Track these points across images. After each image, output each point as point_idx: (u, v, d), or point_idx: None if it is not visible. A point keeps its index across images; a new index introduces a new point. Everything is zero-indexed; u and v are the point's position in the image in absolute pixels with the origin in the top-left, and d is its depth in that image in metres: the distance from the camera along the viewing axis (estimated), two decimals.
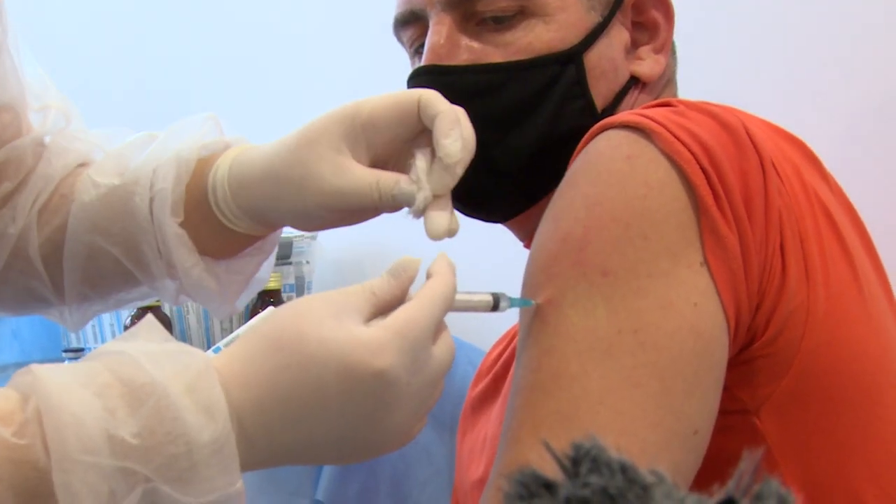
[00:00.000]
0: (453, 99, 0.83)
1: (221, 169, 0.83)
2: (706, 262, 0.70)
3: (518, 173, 0.89)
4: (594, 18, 0.88)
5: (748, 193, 0.72)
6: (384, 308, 0.64)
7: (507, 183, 0.89)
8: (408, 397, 0.63)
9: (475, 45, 0.87)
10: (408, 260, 0.67)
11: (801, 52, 1.47)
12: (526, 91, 0.87)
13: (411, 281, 0.66)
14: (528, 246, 0.91)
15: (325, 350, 0.60)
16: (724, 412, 0.70)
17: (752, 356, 0.73)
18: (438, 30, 0.87)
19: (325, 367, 0.59)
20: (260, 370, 0.60)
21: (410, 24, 0.90)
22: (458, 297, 0.70)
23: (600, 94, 0.88)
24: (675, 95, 0.95)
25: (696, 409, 0.68)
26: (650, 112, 0.75)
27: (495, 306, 0.73)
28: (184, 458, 0.56)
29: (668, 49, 0.93)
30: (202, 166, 0.83)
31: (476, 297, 0.72)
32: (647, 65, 0.90)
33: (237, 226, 0.82)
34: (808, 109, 1.43)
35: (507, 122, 0.87)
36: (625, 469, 0.40)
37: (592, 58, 0.87)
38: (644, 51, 0.91)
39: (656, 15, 0.91)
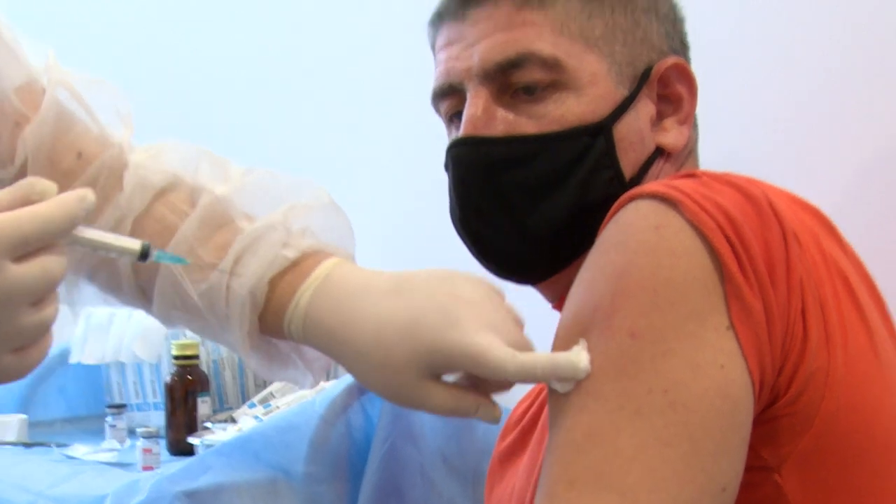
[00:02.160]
0: (490, 167, 0.89)
1: (296, 321, 0.81)
2: (732, 327, 0.72)
3: (550, 240, 0.90)
4: (622, 92, 0.90)
5: (771, 261, 0.74)
6: None
7: (539, 249, 0.91)
8: None
9: (510, 116, 0.89)
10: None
11: (811, 101, 1.42)
12: (558, 161, 0.89)
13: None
14: (556, 307, 0.94)
15: None
16: (747, 469, 0.72)
17: (774, 415, 0.73)
18: (476, 102, 0.89)
19: None
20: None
21: (448, 95, 0.93)
22: (95, 233, 0.68)
23: (628, 164, 0.90)
24: (696, 165, 0.97)
25: (724, 467, 0.70)
26: (676, 183, 0.77)
27: (144, 256, 0.69)
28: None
29: (691, 121, 0.95)
30: (277, 286, 0.82)
31: (121, 241, 0.69)
32: (672, 136, 0.92)
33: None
34: (818, 161, 1.41)
35: (541, 190, 0.89)
36: None
37: (621, 130, 0.89)
38: (669, 122, 0.93)
39: (681, 88, 0.93)
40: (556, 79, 0.88)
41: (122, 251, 0.69)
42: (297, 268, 0.82)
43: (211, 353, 1.88)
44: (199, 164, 0.91)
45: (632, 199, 0.77)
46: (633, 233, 0.75)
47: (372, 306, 0.77)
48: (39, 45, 0.92)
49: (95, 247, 0.68)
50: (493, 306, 0.76)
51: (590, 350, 0.72)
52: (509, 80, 0.89)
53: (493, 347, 0.72)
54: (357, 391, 1.52)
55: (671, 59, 0.92)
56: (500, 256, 0.91)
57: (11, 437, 1.89)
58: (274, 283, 0.82)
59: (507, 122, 0.88)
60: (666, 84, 0.92)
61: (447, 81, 0.92)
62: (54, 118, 0.88)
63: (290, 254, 0.83)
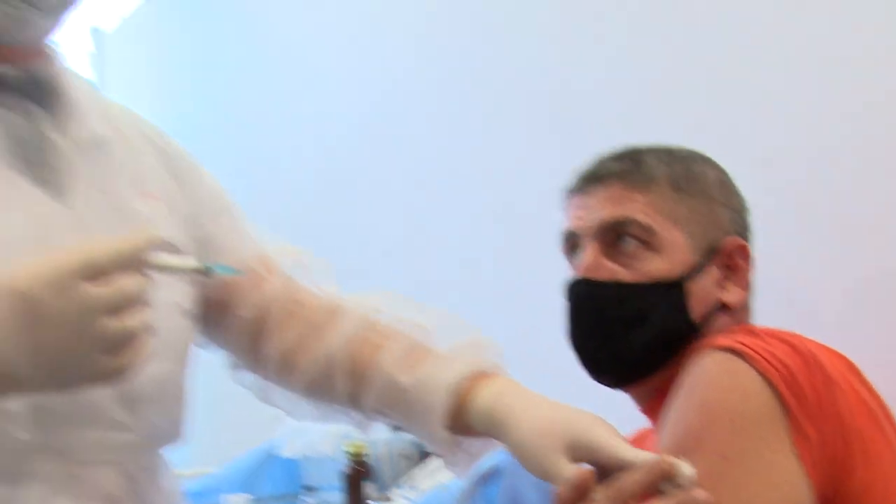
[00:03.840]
0: (596, 306, 0.97)
1: (481, 413, 0.87)
2: (795, 451, 0.78)
3: (634, 359, 0.98)
4: (696, 258, 0.97)
5: (818, 400, 0.80)
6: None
7: (625, 364, 0.99)
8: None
9: (614, 266, 0.97)
10: None
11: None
12: (644, 304, 0.96)
13: None
14: (642, 411, 1.02)
15: None
16: None
17: None
18: (589, 252, 0.98)
19: None
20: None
21: (570, 240, 1.03)
22: (165, 258, 0.69)
23: (696, 312, 0.96)
24: (750, 319, 1.02)
25: None
26: (742, 339, 0.83)
27: (206, 271, 0.72)
28: None
29: (747, 285, 1.00)
30: (468, 387, 0.88)
31: (187, 263, 0.72)
32: (732, 296, 0.99)
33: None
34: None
35: (630, 324, 0.97)
36: None
37: (692, 286, 0.97)
38: (730, 285, 0.99)
39: (740, 261, 1.00)
40: (648, 242, 0.97)
41: (190, 269, 0.72)
42: (483, 377, 0.89)
43: (373, 452, 2.01)
44: (398, 305, 0.98)
45: (708, 350, 0.84)
46: (714, 376, 0.82)
47: (536, 409, 0.84)
48: (268, 232, 1.03)
49: (167, 269, 0.70)
50: (616, 430, 0.82)
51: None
52: (615, 239, 0.98)
53: (627, 447, 0.78)
54: (481, 482, 1.61)
55: (735, 240, 0.99)
56: (598, 365, 0.99)
57: None
58: (466, 384, 0.88)
59: (611, 270, 0.97)
60: (730, 257, 0.99)
61: (572, 231, 1.02)
62: (283, 277, 0.98)
63: (479, 367, 0.90)
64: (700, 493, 0.71)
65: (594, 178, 1.01)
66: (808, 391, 0.80)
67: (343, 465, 2.01)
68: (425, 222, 2.23)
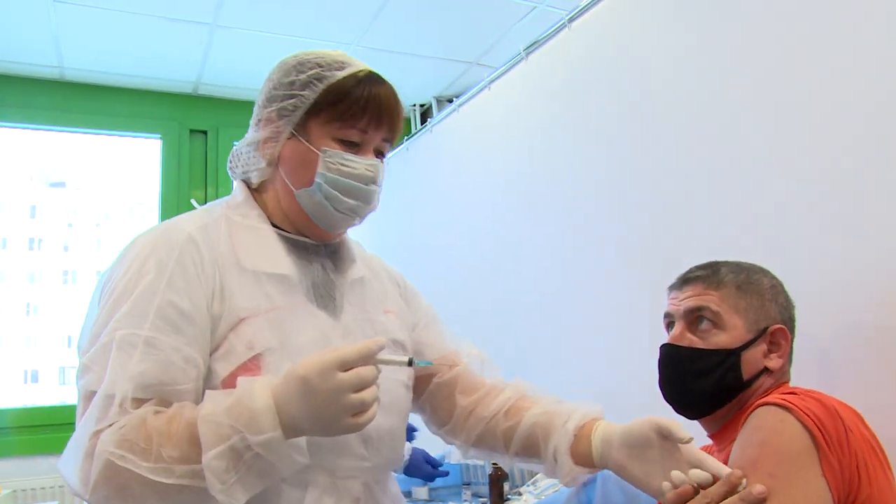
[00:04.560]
0: (678, 363, 1.13)
1: (596, 440, 1.01)
2: (824, 475, 0.92)
3: (702, 399, 1.15)
4: (749, 336, 1.15)
5: (840, 441, 0.93)
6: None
7: (697, 402, 1.15)
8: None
9: (693, 337, 1.16)
10: None
11: None
12: (711, 364, 1.13)
13: None
14: (709, 436, 1.18)
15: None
16: None
17: None
18: (678, 328, 1.18)
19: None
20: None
21: (668, 319, 1.21)
22: (385, 356, 0.84)
23: (746, 372, 1.14)
24: (789, 379, 1.17)
25: None
26: (788, 398, 0.97)
27: (410, 363, 0.86)
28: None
29: (786, 356, 1.16)
30: (584, 427, 1.06)
31: (398, 358, 0.87)
32: (774, 363, 1.15)
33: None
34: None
35: (701, 376, 1.14)
36: None
37: (745, 355, 1.14)
38: (773, 356, 1.16)
39: (782, 341, 1.16)
40: (717, 323, 1.14)
41: (400, 362, 0.86)
42: (593, 421, 1.06)
43: None
44: (537, 388, 1.12)
45: (763, 405, 0.99)
46: (768, 424, 0.96)
47: (621, 429, 0.99)
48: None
49: (387, 362, 0.85)
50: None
51: (750, 480, 0.91)
52: (695, 320, 1.16)
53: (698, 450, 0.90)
54: (583, 486, 1.52)
55: (778, 326, 1.16)
56: (679, 403, 1.18)
57: (423, 497, 2.39)
58: (584, 426, 1.05)
59: (690, 340, 1.15)
60: (774, 335, 1.16)
61: (670, 313, 1.22)
62: (466, 364, 1.15)
63: (593, 415, 1.07)
64: (758, 488, 0.85)
65: (686, 280, 1.21)
66: (833, 434, 0.94)
67: (489, 469, 2.28)
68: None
